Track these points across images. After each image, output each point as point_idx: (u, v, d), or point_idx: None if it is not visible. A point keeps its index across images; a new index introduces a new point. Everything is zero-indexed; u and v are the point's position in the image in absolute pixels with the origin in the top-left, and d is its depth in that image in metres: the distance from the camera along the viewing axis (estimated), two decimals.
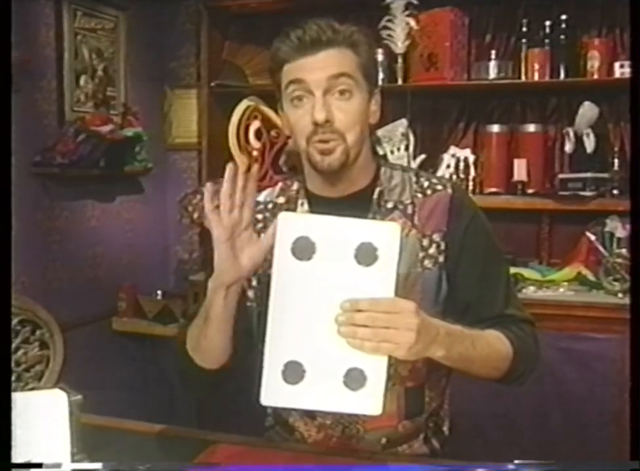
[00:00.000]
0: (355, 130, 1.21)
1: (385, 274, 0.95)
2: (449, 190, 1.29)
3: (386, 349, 0.96)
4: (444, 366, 1.19)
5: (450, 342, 1.06)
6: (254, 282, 1.31)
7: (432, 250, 1.25)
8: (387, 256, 0.94)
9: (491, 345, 1.19)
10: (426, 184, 1.30)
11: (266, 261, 1.24)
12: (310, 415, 1.33)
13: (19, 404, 0.85)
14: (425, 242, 1.25)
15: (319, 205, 1.27)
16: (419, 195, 1.28)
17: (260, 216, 1.32)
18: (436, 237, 1.26)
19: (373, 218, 1.25)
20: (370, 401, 0.96)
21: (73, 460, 0.92)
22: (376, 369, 0.97)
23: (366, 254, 0.94)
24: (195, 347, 1.22)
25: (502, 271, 1.33)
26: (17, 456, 0.85)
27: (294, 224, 0.95)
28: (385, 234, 0.94)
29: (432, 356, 1.06)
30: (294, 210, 1.30)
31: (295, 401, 1.00)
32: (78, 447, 1.01)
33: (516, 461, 1.04)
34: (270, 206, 1.33)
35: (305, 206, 1.31)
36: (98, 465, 0.95)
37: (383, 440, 1.30)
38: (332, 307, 0.95)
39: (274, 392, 0.97)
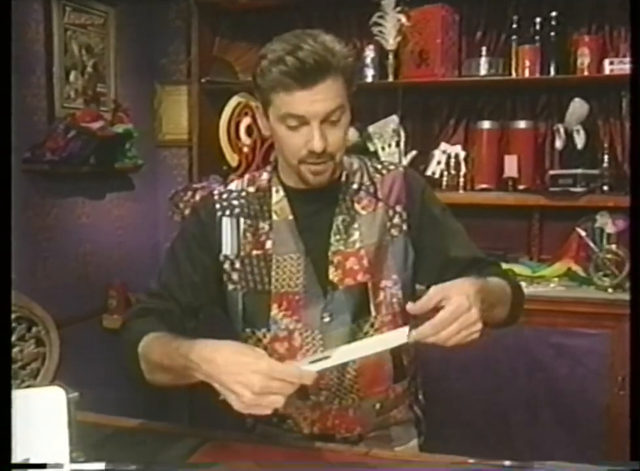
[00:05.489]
0: (343, 148, 1.30)
1: None
2: (401, 169, 1.44)
3: (474, 333, 1.07)
4: None
5: (482, 298, 1.12)
6: (237, 265, 1.35)
7: (396, 220, 1.38)
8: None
9: (498, 285, 1.28)
10: (379, 166, 1.43)
11: (249, 243, 1.34)
12: (302, 396, 1.34)
13: (18, 401, 0.85)
14: (390, 213, 1.38)
15: (294, 194, 1.37)
16: (377, 175, 1.41)
17: (235, 203, 1.39)
18: (398, 208, 1.38)
19: (344, 199, 1.36)
20: (396, 336, 1.11)
21: (70, 458, 0.91)
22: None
23: None
24: (149, 372, 1.29)
25: (459, 224, 1.46)
26: (16, 454, 0.85)
27: None
28: None
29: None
30: (269, 197, 1.38)
31: (332, 363, 1.11)
32: (73, 445, 1.01)
33: (515, 463, 1.06)
34: (243, 194, 1.40)
35: (281, 192, 1.38)
36: (100, 465, 0.95)
37: (377, 406, 1.38)
38: None
39: (311, 367, 1.08)
